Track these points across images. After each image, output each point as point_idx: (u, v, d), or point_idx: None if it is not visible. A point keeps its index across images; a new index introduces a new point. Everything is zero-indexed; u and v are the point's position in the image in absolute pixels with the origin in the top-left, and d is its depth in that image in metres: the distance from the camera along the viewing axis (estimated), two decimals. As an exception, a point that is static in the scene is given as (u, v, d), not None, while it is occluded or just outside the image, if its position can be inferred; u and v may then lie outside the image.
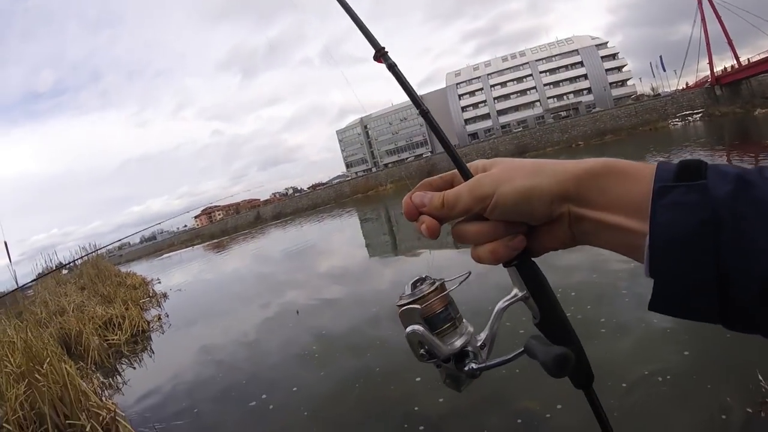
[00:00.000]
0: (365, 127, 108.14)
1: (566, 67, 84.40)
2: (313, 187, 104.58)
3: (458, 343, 0.61)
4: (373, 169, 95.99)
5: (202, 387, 6.34)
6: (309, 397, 5.25)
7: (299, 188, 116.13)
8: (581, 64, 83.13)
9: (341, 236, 23.60)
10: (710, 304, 0.42)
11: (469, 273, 0.68)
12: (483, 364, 0.60)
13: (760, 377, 3.42)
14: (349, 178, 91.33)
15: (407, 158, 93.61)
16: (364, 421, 4.55)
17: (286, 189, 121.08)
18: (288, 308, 9.39)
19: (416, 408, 4.46)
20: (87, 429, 4.89)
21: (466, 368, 0.60)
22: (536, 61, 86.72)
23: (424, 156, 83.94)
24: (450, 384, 0.64)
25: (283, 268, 16.02)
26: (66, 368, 5.41)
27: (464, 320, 0.64)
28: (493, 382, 4.55)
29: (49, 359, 5.62)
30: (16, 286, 9.54)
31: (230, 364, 7.06)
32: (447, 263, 9.99)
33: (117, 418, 5.03)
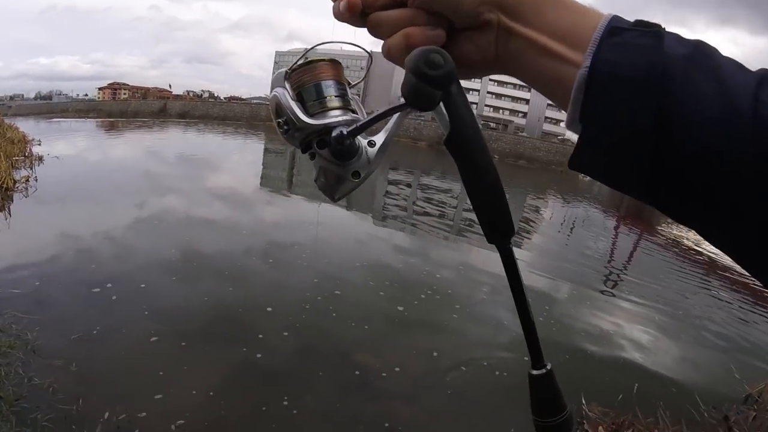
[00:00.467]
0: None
1: (514, 86, 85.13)
2: (230, 98, 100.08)
3: (332, 120, 0.52)
4: None
5: (49, 262, 6.08)
6: (154, 297, 5.21)
7: (216, 95, 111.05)
8: (529, 89, 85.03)
9: (240, 157, 23.07)
10: (641, 157, 0.39)
11: (370, 55, 0.63)
12: (353, 126, 0.52)
13: (584, 401, 3.83)
14: (268, 102, 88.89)
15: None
16: (203, 335, 4.60)
17: (202, 91, 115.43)
18: (163, 213, 9.15)
19: (260, 336, 4.56)
20: None
21: (334, 134, 0.51)
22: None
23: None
24: (322, 184, 0.57)
25: (172, 172, 15.37)
26: None
27: (361, 112, 0.56)
28: (343, 331, 4.73)
29: None
30: None
31: (86, 247, 6.79)
32: (335, 219, 10.16)
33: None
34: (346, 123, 0.52)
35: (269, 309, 5.08)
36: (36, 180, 10.84)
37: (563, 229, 13.32)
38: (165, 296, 5.29)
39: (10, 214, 8.34)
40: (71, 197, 9.93)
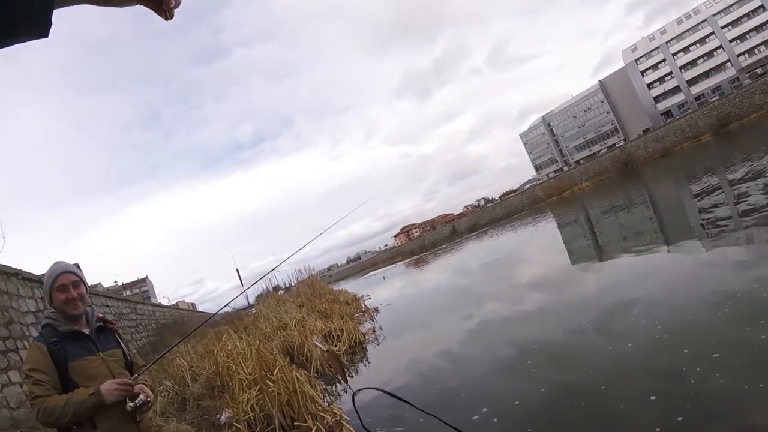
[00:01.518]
0: (548, 125, 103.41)
1: (748, 15, 71.01)
2: (504, 195, 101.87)
3: None
4: (565, 168, 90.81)
5: (419, 397, 6.32)
6: (531, 411, 4.91)
7: (491, 198, 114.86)
8: (763, 7, 69.19)
9: (539, 243, 22.61)
10: None
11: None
12: None
13: None
14: (541, 181, 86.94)
15: (599, 151, 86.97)
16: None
17: (477, 200, 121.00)
18: (489, 319, 9.28)
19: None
20: (313, 431, 5.25)
21: None
22: (713, 15, 74.56)
23: (617, 146, 76.16)
24: None
25: (481, 279, 15.82)
26: (297, 376, 5.89)
27: None
28: (750, 407, 3.95)
29: (278, 368, 6.18)
30: (246, 304, 10.70)
31: (445, 375, 6.99)
32: (662, 265, 9.14)
33: (342, 422, 5.31)
34: None
35: (653, 398, 4.31)
36: (381, 328, 12.20)
37: None
38: (539, 407, 4.94)
39: (369, 361, 9.45)
40: (412, 333, 10.92)
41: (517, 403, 5.17)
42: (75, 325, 2.77)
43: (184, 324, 32.78)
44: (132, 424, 2.66)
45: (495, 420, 4.96)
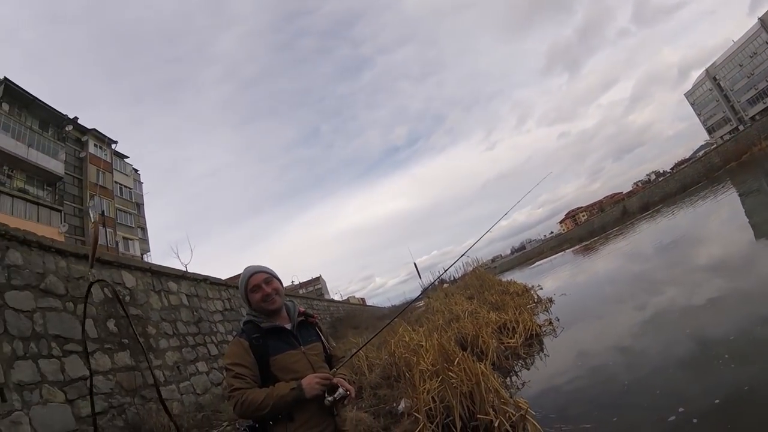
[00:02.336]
0: (714, 78, 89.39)
1: None
2: (677, 165, 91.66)
3: None
4: (740, 127, 78.27)
5: (605, 393, 6.13)
6: (735, 411, 4.47)
7: (662, 171, 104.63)
8: None
9: (718, 218, 20.33)
10: None
11: None
12: None
13: None
14: (715, 145, 74.74)
15: (775, 101, 75.00)
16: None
17: (647, 175, 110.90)
18: (672, 309, 8.51)
19: None
20: (495, 424, 5.29)
21: None
22: None
23: (794, 93, 63.80)
24: None
25: (659, 265, 14.52)
26: (481, 368, 5.98)
27: None
28: None
29: (458, 359, 6.34)
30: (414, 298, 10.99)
31: (631, 371, 6.51)
32: None
33: (527, 416, 5.28)
34: None
35: None
36: (558, 320, 11.84)
37: None
38: (747, 410, 4.39)
39: (547, 354, 9.27)
40: (589, 324, 10.49)
41: (717, 402, 4.76)
42: (276, 320, 2.89)
43: (355, 317, 34.55)
44: (328, 417, 2.70)
45: (695, 420, 4.60)
